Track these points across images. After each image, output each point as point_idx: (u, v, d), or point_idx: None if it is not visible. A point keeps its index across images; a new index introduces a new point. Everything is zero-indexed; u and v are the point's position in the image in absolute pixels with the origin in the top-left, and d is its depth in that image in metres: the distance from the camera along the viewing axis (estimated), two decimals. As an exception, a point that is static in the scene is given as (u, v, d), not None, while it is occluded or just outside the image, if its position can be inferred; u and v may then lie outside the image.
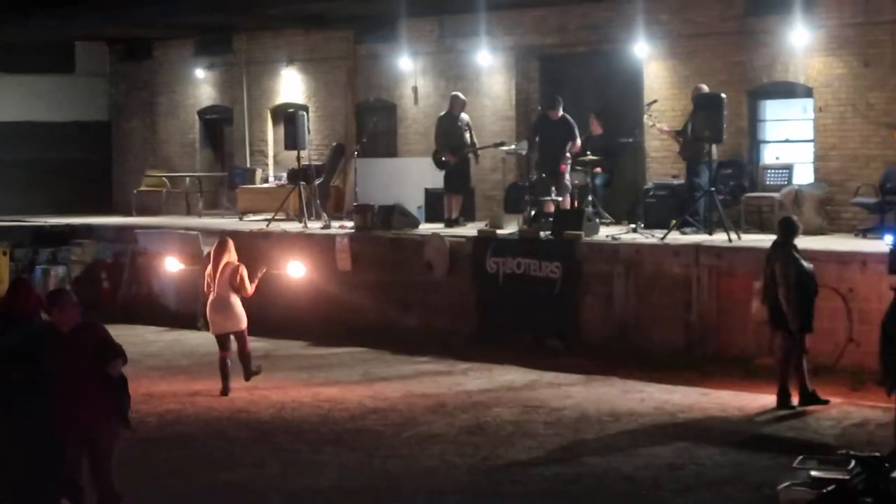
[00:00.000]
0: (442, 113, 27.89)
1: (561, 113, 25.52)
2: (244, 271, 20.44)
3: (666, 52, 27.21)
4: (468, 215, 27.87)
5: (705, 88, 24.47)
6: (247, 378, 20.69)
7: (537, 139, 25.96)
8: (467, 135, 27.56)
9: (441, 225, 27.11)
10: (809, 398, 18.57)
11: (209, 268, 20.74)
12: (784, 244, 18.74)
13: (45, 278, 28.89)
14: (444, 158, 27.39)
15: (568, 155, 25.45)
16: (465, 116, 27.65)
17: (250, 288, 20.46)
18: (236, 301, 20.53)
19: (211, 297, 20.62)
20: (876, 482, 12.49)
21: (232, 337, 20.59)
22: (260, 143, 34.68)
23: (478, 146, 27.62)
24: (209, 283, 20.63)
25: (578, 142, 25.69)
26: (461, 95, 27.90)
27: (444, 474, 15.48)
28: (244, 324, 20.62)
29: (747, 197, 25.26)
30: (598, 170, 26.21)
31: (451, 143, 27.37)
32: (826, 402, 18.57)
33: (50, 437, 11.94)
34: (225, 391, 20.43)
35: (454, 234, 25.65)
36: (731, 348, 21.39)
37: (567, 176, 25.49)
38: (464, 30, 29.94)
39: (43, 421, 11.89)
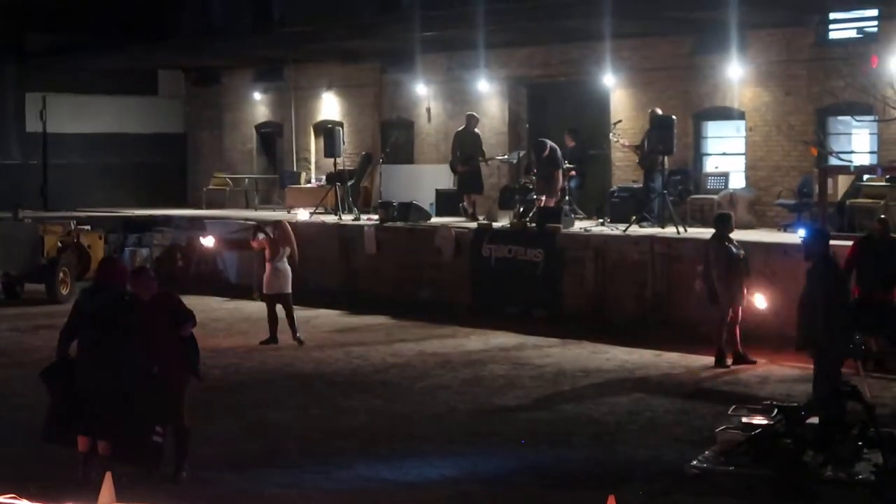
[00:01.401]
0: (459, 129, 27.68)
1: (547, 152, 25.01)
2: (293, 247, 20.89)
3: (628, 82, 27.11)
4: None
5: (659, 111, 24.34)
6: (294, 338, 20.65)
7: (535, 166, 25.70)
8: (479, 146, 27.38)
9: (449, 218, 26.94)
10: (741, 359, 18.50)
11: (269, 243, 20.80)
12: (718, 235, 18.67)
13: (132, 258, 28.79)
14: (456, 167, 27.29)
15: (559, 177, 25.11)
16: (477, 131, 27.47)
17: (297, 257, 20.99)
18: (287, 270, 20.65)
19: (269, 266, 20.68)
20: (794, 426, 12.46)
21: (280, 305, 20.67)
22: (304, 152, 34.55)
23: (486, 156, 27.38)
24: (270, 256, 20.68)
25: (560, 171, 25.17)
26: (476, 115, 27.73)
27: (450, 417, 15.41)
28: (289, 288, 20.67)
29: (692, 198, 25.16)
30: (573, 173, 26.14)
31: (463, 154, 27.19)
32: (754, 363, 18.53)
33: (130, 381, 11.91)
34: (272, 339, 20.66)
35: (459, 225, 25.57)
36: (678, 318, 21.29)
37: (559, 185, 25.18)
38: (467, 63, 29.83)
39: (123, 368, 11.87)
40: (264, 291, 20.87)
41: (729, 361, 18.42)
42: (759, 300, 18.91)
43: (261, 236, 20.97)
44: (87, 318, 12.03)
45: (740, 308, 18.53)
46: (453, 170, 27.49)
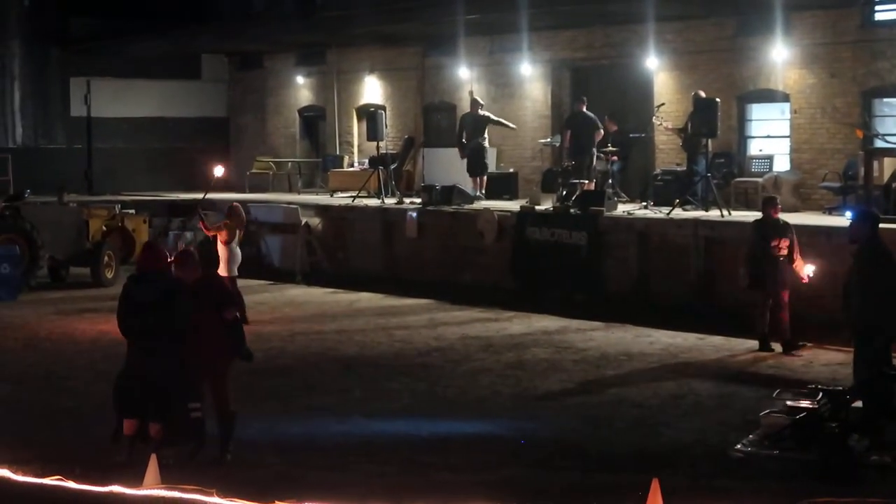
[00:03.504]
0: (464, 113, 27.88)
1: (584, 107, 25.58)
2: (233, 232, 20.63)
3: (671, 65, 26.98)
4: (512, 195, 27.71)
5: (703, 94, 24.24)
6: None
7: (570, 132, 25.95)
8: (486, 128, 27.51)
9: (491, 201, 26.97)
10: (789, 346, 18.30)
11: (227, 227, 20.62)
12: (759, 219, 18.54)
13: (176, 241, 28.92)
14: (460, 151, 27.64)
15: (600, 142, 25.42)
16: (484, 113, 27.53)
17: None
18: (239, 253, 20.72)
19: (226, 249, 20.57)
20: (839, 410, 12.37)
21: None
22: (347, 136, 34.60)
23: (482, 136, 27.66)
24: (228, 239, 20.57)
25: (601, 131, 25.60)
26: (478, 99, 28.02)
27: (493, 400, 15.40)
28: (237, 272, 20.68)
29: (736, 181, 25.05)
30: (615, 158, 26.11)
31: (467, 137, 27.41)
32: (801, 346, 18.33)
33: (181, 369, 11.91)
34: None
35: (502, 209, 25.53)
36: (722, 302, 21.19)
37: (594, 163, 25.38)
38: (510, 46, 29.78)
39: (175, 357, 11.86)
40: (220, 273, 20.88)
41: (773, 345, 18.27)
42: (808, 269, 18.08)
43: (211, 220, 20.98)
44: (137, 307, 11.96)
45: (785, 294, 18.24)
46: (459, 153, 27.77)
